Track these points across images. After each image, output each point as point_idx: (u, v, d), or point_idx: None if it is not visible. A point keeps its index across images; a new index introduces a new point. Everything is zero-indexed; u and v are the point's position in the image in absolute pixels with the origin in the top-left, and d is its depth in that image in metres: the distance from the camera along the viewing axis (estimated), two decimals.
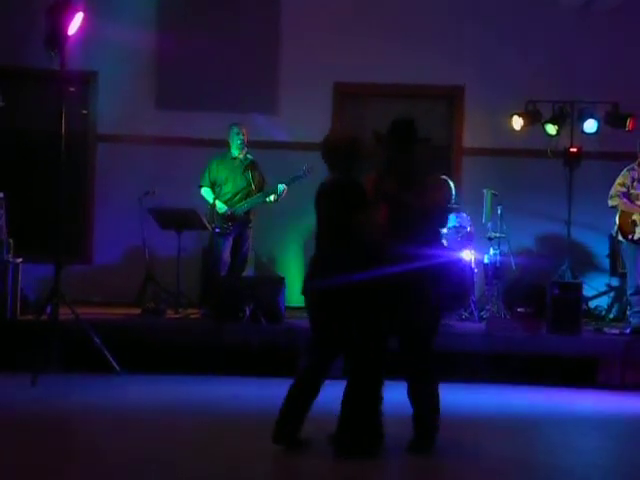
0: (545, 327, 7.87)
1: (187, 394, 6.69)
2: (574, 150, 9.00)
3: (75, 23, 7.16)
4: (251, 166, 8.53)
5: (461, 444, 5.38)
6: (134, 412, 6.02)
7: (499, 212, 8.79)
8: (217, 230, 8.35)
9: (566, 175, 9.01)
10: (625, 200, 7.98)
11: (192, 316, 8.26)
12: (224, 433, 5.49)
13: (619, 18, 9.56)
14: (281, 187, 8.31)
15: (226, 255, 8.45)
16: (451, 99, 9.98)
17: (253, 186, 8.47)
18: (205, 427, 5.66)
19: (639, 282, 7.93)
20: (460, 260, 8.38)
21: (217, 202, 8.39)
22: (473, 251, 8.61)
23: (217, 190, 8.49)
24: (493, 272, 8.78)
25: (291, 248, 9.69)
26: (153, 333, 7.63)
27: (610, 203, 8.10)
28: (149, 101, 9.67)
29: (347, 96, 9.83)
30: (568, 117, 9.04)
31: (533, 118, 9.09)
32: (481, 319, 8.43)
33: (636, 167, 8.06)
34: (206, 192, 8.53)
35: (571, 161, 9.00)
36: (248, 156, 8.52)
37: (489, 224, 8.85)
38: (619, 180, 8.06)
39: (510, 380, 7.29)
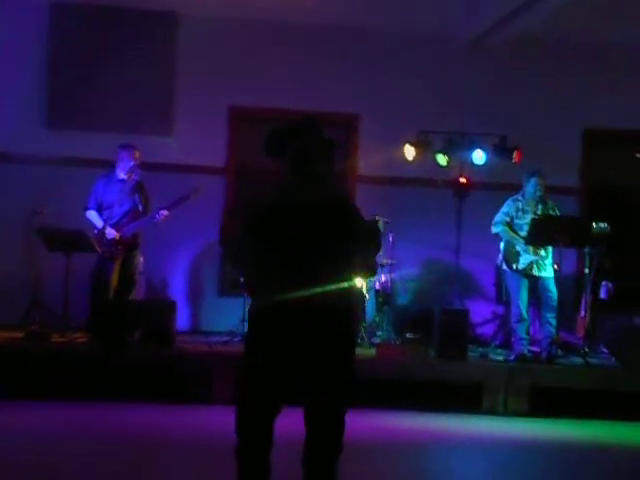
0: (433, 353, 8.02)
1: (70, 420, 6.51)
2: (463, 180, 9.21)
3: None
4: (138, 188, 8.38)
5: (348, 470, 5.40)
6: (13, 440, 5.83)
7: (390, 239, 8.94)
8: (106, 254, 8.19)
9: (455, 204, 9.22)
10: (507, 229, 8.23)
11: (79, 340, 8.05)
12: (110, 459, 5.37)
13: (506, 54, 9.87)
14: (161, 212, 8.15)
15: (113, 278, 8.28)
16: (348, 127, 10.08)
17: (140, 208, 8.33)
18: (89, 454, 5.52)
19: (522, 311, 8.17)
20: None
21: (107, 227, 8.22)
22: None
23: (104, 213, 8.31)
24: (384, 298, 8.91)
25: (183, 272, 9.65)
26: (35, 357, 7.43)
27: (494, 230, 8.32)
28: (39, 120, 9.44)
29: (243, 120, 9.81)
30: (458, 148, 9.23)
31: (424, 148, 9.26)
32: (371, 345, 8.52)
33: (520, 197, 8.33)
34: (93, 216, 8.34)
35: (460, 191, 9.20)
36: (134, 177, 8.36)
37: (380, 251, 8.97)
38: (504, 209, 8.31)
39: (399, 406, 7.38)
